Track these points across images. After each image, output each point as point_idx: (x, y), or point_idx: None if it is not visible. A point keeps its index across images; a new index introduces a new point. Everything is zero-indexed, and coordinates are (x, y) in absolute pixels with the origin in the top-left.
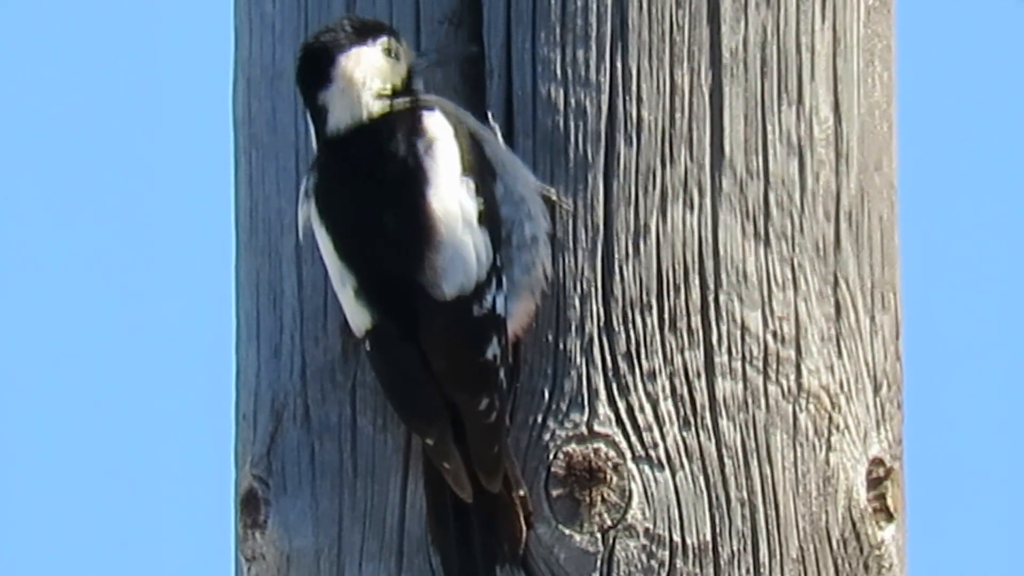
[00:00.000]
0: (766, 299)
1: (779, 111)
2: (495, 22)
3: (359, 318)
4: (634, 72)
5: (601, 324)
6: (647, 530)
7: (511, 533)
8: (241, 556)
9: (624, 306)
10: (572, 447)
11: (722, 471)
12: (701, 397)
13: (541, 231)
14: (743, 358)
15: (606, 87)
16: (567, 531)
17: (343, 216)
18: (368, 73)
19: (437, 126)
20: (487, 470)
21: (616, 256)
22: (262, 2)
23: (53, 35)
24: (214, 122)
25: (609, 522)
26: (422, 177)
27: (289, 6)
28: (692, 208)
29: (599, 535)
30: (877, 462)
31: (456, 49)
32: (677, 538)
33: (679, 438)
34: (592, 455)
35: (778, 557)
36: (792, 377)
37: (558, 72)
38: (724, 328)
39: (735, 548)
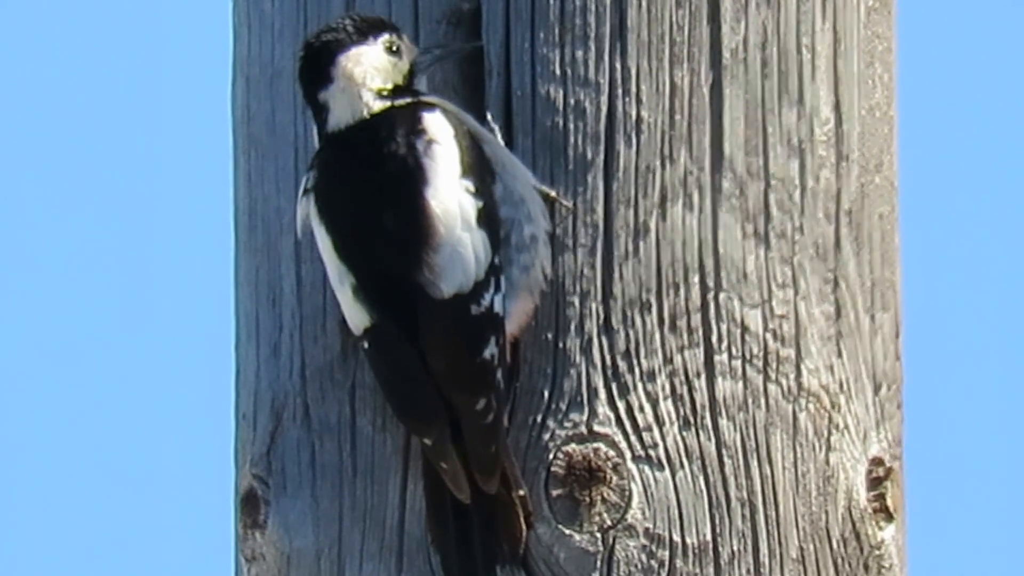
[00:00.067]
0: (766, 299)
1: (779, 111)
2: (494, 21)
3: (358, 317)
4: (633, 72)
5: (600, 324)
6: (647, 530)
7: (511, 533)
8: (241, 556)
9: (624, 306)
10: (572, 447)
11: (722, 471)
12: (701, 397)
13: (540, 231)
14: (743, 358)
15: (605, 87)
16: (567, 531)
17: (342, 215)
18: (369, 72)
19: (437, 126)
20: (484, 471)
21: (616, 256)
22: (261, 1)
23: (52, 34)
24: (213, 121)
25: (609, 522)
26: (421, 177)
27: (288, 5)
28: (692, 208)
29: (599, 535)
30: (877, 462)
31: (459, 44)
32: (677, 538)
33: (679, 438)
34: (592, 455)
35: (778, 557)
36: (792, 377)
37: (557, 72)
38: (724, 328)
39: (735, 548)
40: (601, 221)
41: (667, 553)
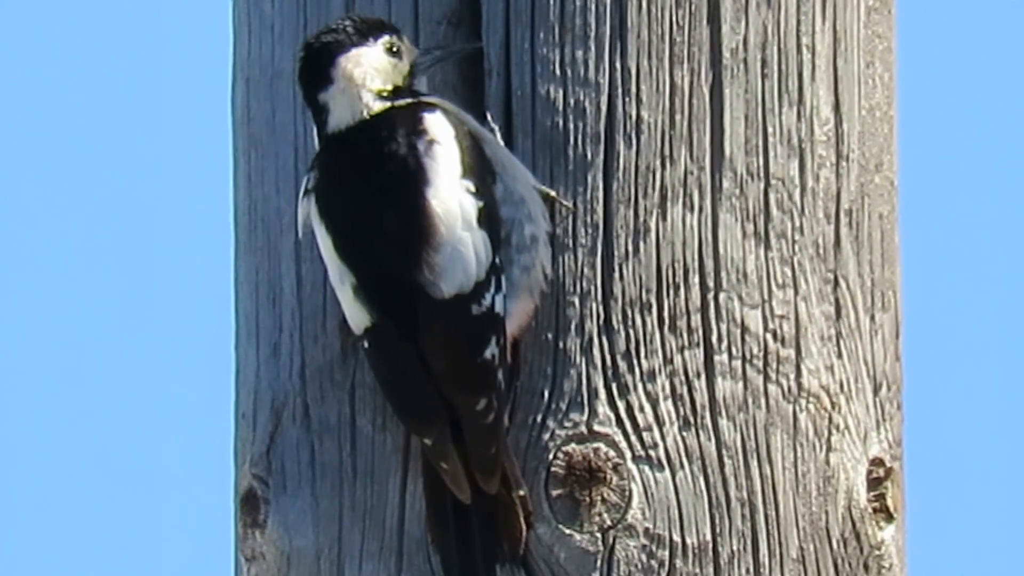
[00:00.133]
0: (766, 299)
1: (780, 111)
2: (494, 22)
3: (358, 317)
4: (633, 72)
5: (601, 324)
6: (647, 530)
7: (511, 533)
8: (241, 556)
9: (624, 306)
10: (572, 447)
11: (722, 471)
12: (701, 397)
13: (541, 232)
14: (743, 358)
15: (605, 87)
16: (567, 531)
17: (343, 215)
18: (369, 73)
19: (437, 126)
20: (484, 471)
21: (616, 256)
22: (261, 2)
23: (52, 35)
24: (213, 122)
25: (609, 522)
26: (422, 177)
27: (288, 6)
28: (692, 208)
29: (599, 535)
30: (877, 462)
31: (459, 45)
32: (677, 538)
33: (679, 438)
34: (592, 455)
35: (778, 557)
36: (792, 377)
37: (557, 72)
38: (724, 328)
39: (735, 548)
40: (601, 221)
41: (667, 553)
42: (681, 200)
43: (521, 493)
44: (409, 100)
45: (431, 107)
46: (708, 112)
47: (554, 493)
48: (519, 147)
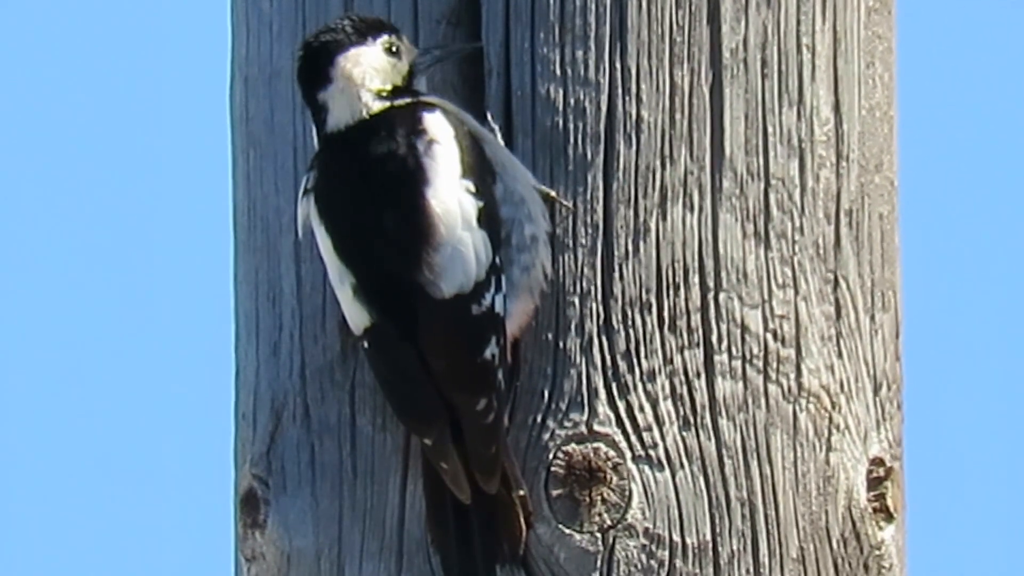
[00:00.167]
0: (766, 299)
1: (780, 111)
2: (494, 21)
3: (357, 317)
4: (634, 72)
5: (601, 324)
6: (647, 530)
7: (511, 533)
8: (241, 556)
9: (624, 306)
10: (572, 447)
11: (722, 471)
12: (701, 397)
13: (541, 231)
14: (743, 358)
15: (605, 87)
16: (567, 531)
17: (342, 215)
18: (368, 73)
19: (437, 126)
20: (484, 471)
21: (616, 256)
22: (259, 1)
23: (51, 34)
24: (212, 121)
25: (609, 522)
26: (421, 177)
27: (287, 5)
28: (692, 208)
29: (599, 535)
30: (877, 462)
31: (459, 45)
32: (677, 538)
33: (679, 438)
34: (592, 455)
35: (778, 557)
36: (792, 377)
37: (557, 71)
38: (724, 328)
39: (735, 548)
40: (601, 221)
41: (667, 553)
42: (681, 200)
43: (521, 493)
44: (408, 100)
45: (431, 107)
46: (708, 112)
47: (554, 493)
48: (519, 147)
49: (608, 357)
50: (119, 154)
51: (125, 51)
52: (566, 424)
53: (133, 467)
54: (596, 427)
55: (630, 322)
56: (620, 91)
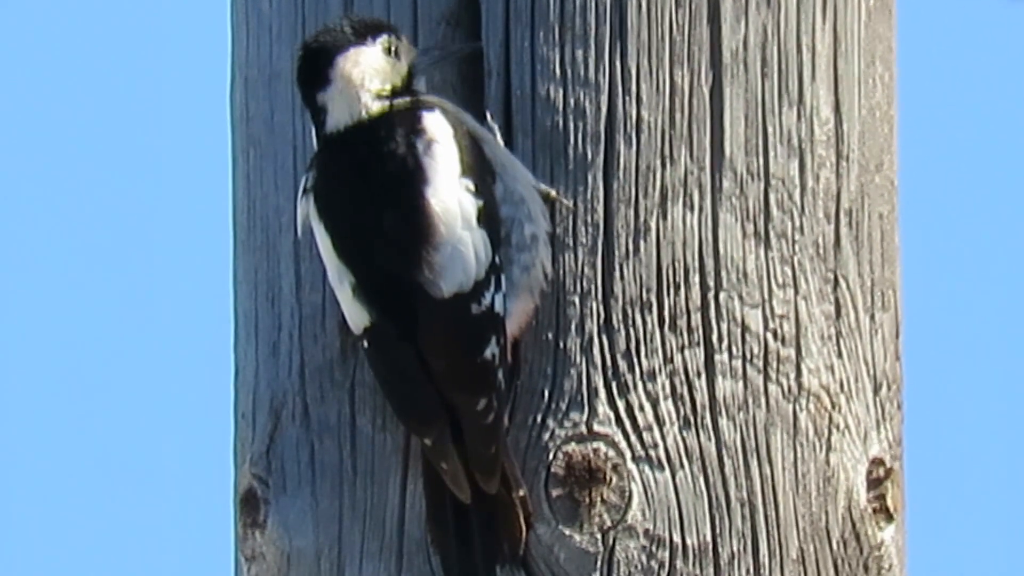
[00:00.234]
0: (766, 298)
1: (780, 111)
2: (493, 22)
3: (357, 316)
4: (633, 72)
5: (601, 323)
6: (647, 530)
7: (511, 533)
8: (241, 556)
9: (624, 305)
10: (572, 447)
11: (722, 471)
12: (701, 397)
13: (541, 231)
14: (743, 357)
15: (605, 87)
16: (567, 531)
17: (342, 215)
18: (367, 73)
19: (437, 126)
20: (484, 471)
21: (616, 255)
22: (259, 1)
23: (51, 34)
24: (212, 121)
25: (609, 522)
26: (421, 176)
27: (286, 5)
28: (692, 208)
29: (599, 535)
30: (877, 462)
31: (458, 46)
32: (677, 539)
33: (679, 438)
34: (592, 455)
35: (778, 557)
36: (792, 377)
37: (557, 72)
38: (724, 327)
39: (735, 548)
40: (601, 221)
41: (667, 554)
42: (681, 200)
43: (521, 493)
44: (408, 100)
45: (430, 107)
46: (708, 112)
47: (554, 493)
48: (519, 147)
49: (608, 357)
50: (119, 154)
51: (126, 52)
52: (566, 424)
53: (133, 467)
54: (596, 427)
55: (630, 322)
56: (620, 91)
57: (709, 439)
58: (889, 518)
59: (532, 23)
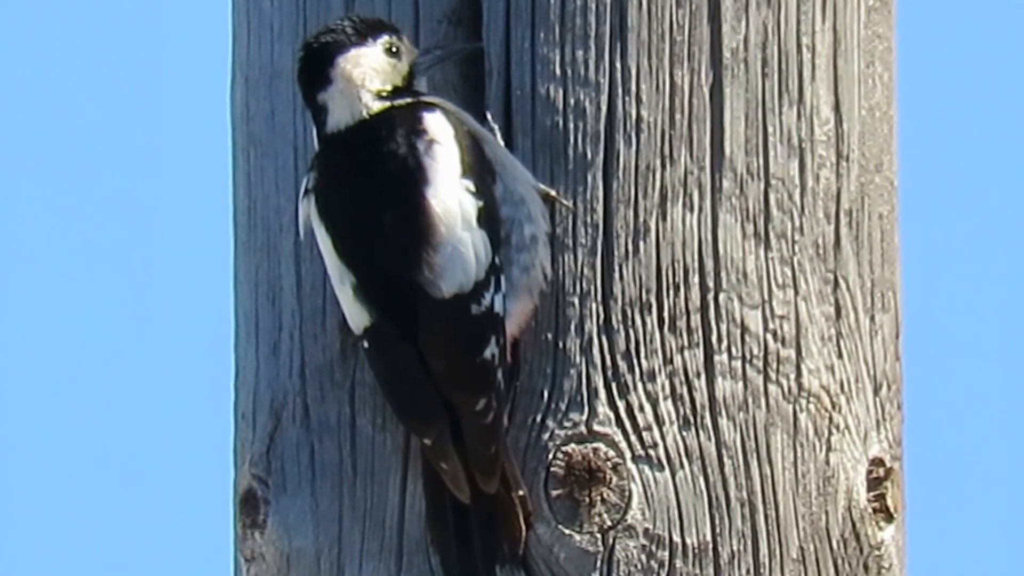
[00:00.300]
0: (766, 299)
1: (780, 111)
2: (494, 21)
3: (357, 317)
4: (633, 72)
5: (600, 324)
6: (647, 530)
7: (511, 533)
8: (240, 556)
9: (624, 306)
10: (571, 447)
11: (722, 471)
12: (701, 397)
13: (541, 232)
14: (743, 358)
15: (605, 87)
16: (567, 531)
17: (343, 215)
18: (368, 73)
19: (437, 126)
20: (484, 471)
21: (616, 256)
22: (260, 1)
23: (51, 34)
24: (212, 121)
25: (609, 522)
26: (422, 176)
27: (287, 5)
28: (692, 208)
29: (599, 535)
30: (877, 462)
31: (459, 45)
32: (677, 538)
33: (679, 438)
34: (591, 455)
35: (778, 557)
36: (792, 377)
37: (557, 71)
38: (724, 328)
39: (735, 548)
40: (601, 221)
41: (667, 553)
42: (681, 200)
43: (521, 493)
44: (408, 100)
45: (431, 107)
46: (708, 112)
47: (554, 493)
48: (519, 147)
49: (608, 357)
50: (120, 154)
51: (126, 51)
52: (566, 424)
53: (133, 467)
54: (596, 427)
55: (630, 322)
56: (620, 91)
57: (709, 439)
58: (889, 518)
59: (533, 22)
